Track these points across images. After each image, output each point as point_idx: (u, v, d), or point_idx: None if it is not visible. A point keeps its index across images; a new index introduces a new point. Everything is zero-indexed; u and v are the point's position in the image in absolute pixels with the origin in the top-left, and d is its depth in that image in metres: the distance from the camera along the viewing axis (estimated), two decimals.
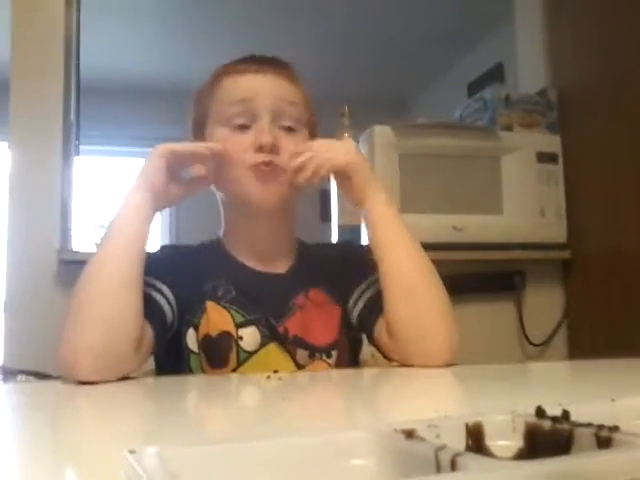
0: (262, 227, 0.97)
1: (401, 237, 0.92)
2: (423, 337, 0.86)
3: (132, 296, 0.81)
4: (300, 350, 0.93)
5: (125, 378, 0.79)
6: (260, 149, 0.90)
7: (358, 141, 1.82)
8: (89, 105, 2.10)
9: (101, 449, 0.41)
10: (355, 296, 0.97)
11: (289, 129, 0.94)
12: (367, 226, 0.94)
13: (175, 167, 0.89)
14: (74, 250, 1.72)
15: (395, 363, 0.90)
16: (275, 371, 0.84)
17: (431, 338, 0.86)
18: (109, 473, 0.31)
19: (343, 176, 0.93)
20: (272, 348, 0.92)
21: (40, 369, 1.00)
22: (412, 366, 0.86)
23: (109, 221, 0.87)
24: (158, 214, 0.90)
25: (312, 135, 0.99)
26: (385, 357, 0.94)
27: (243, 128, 0.92)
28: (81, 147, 1.97)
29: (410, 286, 0.88)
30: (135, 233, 0.84)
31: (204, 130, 0.97)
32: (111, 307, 0.79)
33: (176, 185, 0.90)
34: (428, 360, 0.85)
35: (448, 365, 0.85)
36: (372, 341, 0.95)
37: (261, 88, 0.93)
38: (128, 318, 0.80)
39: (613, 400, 0.37)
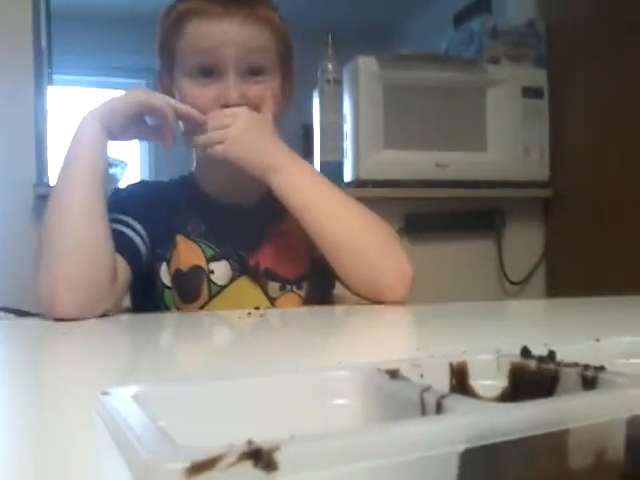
0: (232, 171, 0.96)
1: (314, 201, 0.89)
2: (371, 283, 0.87)
3: (98, 225, 0.81)
4: (271, 282, 0.95)
5: (102, 316, 0.79)
6: (226, 106, 0.88)
7: (341, 72, 1.77)
8: (62, 33, 2.02)
9: (75, 390, 0.40)
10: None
11: (257, 73, 0.91)
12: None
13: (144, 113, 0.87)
14: (51, 184, 1.68)
15: None
16: (256, 307, 0.85)
17: (380, 279, 0.87)
18: (83, 415, 0.30)
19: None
20: (243, 281, 0.94)
21: (18, 306, 0.99)
22: (373, 302, 0.87)
23: (65, 150, 0.85)
24: (137, 148, 0.89)
25: (287, 75, 0.97)
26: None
27: (208, 78, 0.89)
28: (55, 77, 1.90)
29: (341, 246, 0.88)
30: (92, 160, 0.83)
31: (172, 73, 0.93)
32: (80, 237, 0.79)
33: (134, 128, 0.88)
34: (385, 297, 0.87)
35: (402, 300, 0.87)
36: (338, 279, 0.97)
37: (227, 36, 0.88)
38: (99, 247, 0.80)
39: (597, 339, 0.37)
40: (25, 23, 1.65)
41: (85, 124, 0.84)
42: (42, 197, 1.59)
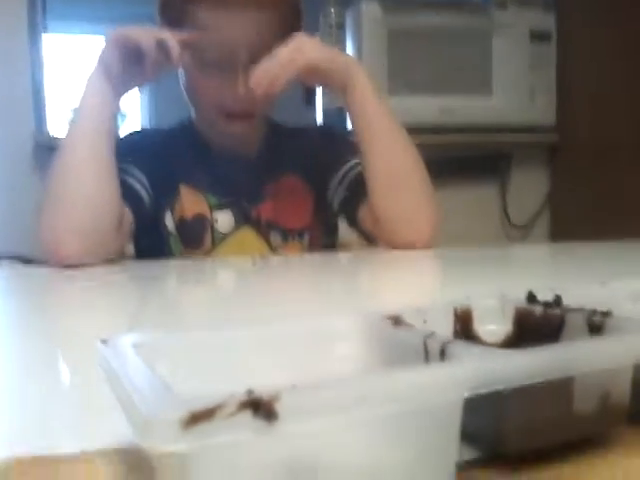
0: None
1: (384, 127, 0.88)
2: (408, 222, 0.87)
3: (107, 175, 0.81)
4: (273, 233, 0.95)
5: (107, 262, 0.79)
6: (235, 100, 0.87)
7: (344, 16, 1.73)
8: None
9: (79, 338, 0.40)
10: (336, 181, 0.96)
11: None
12: (350, 115, 0.90)
13: (132, 54, 0.83)
14: (50, 133, 1.67)
15: (379, 246, 0.91)
16: (261, 255, 0.85)
17: (415, 222, 0.87)
18: (84, 363, 0.30)
19: (316, 72, 0.86)
20: (246, 231, 0.94)
21: (20, 251, 1.00)
22: (397, 248, 0.87)
23: (76, 101, 0.85)
24: (137, 99, 0.87)
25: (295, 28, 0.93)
26: (367, 241, 0.96)
27: (215, 67, 0.87)
28: (50, 23, 1.86)
29: (396, 178, 0.87)
30: (102, 114, 0.83)
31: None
32: (88, 187, 0.79)
33: (135, 71, 0.84)
34: (412, 242, 0.87)
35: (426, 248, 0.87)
36: (355, 225, 0.96)
37: (243, 30, 0.85)
38: (106, 196, 0.80)
39: (603, 283, 0.36)
40: None
41: (90, 80, 0.84)
42: (41, 145, 1.59)
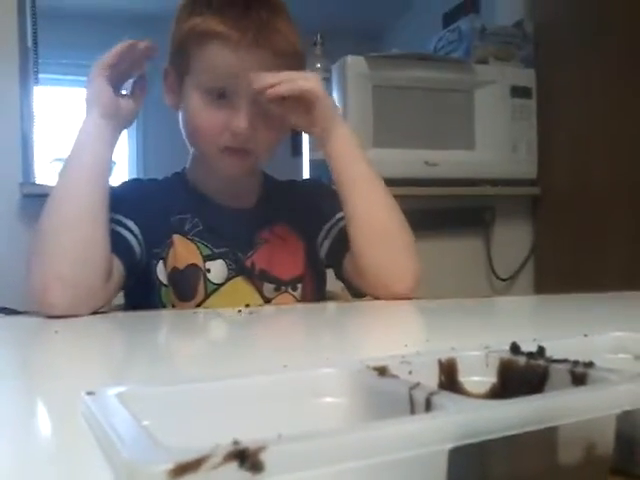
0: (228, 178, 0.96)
1: (364, 175, 0.90)
2: (390, 272, 0.88)
3: (98, 225, 0.80)
4: (266, 283, 0.95)
5: (94, 313, 0.78)
6: (235, 134, 0.87)
7: (330, 71, 1.77)
8: (48, 31, 2.00)
9: (63, 390, 0.40)
10: (323, 234, 0.97)
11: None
12: (329, 163, 0.91)
13: (117, 80, 0.86)
14: (37, 183, 1.67)
15: (366, 297, 0.92)
16: (247, 305, 0.84)
17: (397, 272, 0.88)
18: (68, 416, 0.29)
19: (305, 106, 0.88)
20: (239, 281, 0.94)
21: (5, 304, 0.98)
22: (380, 297, 0.88)
23: (68, 150, 0.84)
24: (126, 147, 0.88)
25: None
26: (353, 294, 0.96)
27: (220, 99, 0.87)
28: (41, 76, 1.89)
29: (376, 228, 0.89)
30: (96, 159, 0.82)
31: (182, 77, 0.91)
32: (77, 236, 0.78)
33: (125, 100, 0.87)
34: (394, 292, 0.88)
35: (409, 297, 0.88)
36: (341, 277, 0.97)
37: (250, 67, 0.85)
38: (95, 247, 0.80)
39: (586, 335, 0.37)
40: (10, 23, 1.63)
41: (84, 122, 0.84)
42: (28, 196, 1.58)
